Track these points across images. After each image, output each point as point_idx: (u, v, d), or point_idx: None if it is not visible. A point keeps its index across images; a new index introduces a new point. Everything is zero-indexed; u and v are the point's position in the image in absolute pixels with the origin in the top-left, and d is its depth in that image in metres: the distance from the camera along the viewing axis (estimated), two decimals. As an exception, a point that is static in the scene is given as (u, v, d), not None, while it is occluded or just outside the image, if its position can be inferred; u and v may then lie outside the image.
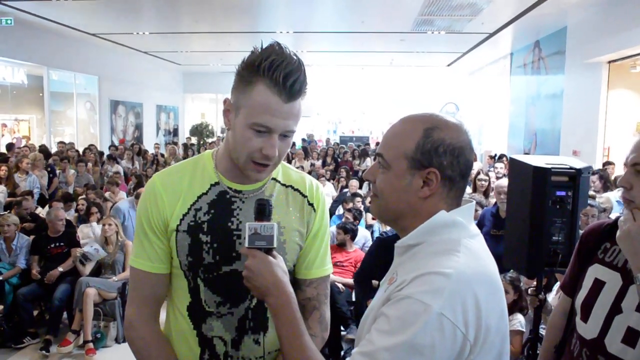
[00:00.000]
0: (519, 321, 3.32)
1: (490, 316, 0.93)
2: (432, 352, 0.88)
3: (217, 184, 1.28)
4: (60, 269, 4.58)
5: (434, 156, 0.99)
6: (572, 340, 1.48)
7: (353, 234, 4.86)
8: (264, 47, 1.15)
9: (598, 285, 1.41)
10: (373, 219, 6.14)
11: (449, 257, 0.95)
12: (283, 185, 1.33)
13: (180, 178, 1.28)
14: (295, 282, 1.34)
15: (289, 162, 9.81)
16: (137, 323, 1.28)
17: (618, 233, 1.35)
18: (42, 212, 5.93)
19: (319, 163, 10.56)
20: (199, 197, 1.26)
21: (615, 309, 1.34)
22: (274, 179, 1.32)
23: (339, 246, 4.70)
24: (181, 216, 1.25)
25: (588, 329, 1.40)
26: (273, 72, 1.10)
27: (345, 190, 7.57)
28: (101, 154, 10.36)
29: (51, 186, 7.87)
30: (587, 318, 1.41)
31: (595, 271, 1.44)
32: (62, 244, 4.73)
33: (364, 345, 0.93)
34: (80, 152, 9.92)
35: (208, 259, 1.24)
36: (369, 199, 6.87)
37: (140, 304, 1.28)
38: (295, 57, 1.14)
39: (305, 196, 1.34)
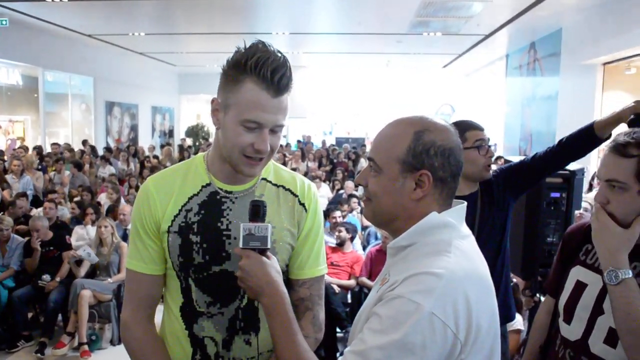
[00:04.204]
0: (517, 320, 3.33)
1: (481, 316, 0.95)
2: (423, 350, 0.89)
3: (208, 185, 1.29)
4: (57, 279, 4.54)
5: (425, 158, 1.01)
6: (557, 342, 1.49)
7: (354, 234, 4.87)
8: (247, 46, 1.18)
9: (580, 287, 1.43)
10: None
11: (440, 258, 0.96)
12: (274, 185, 1.34)
13: (172, 180, 1.31)
14: (289, 283, 1.34)
15: (284, 163, 9.79)
16: (132, 324, 1.30)
17: (592, 232, 1.38)
18: (35, 213, 5.90)
19: (315, 165, 10.56)
20: (190, 198, 1.28)
21: (598, 310, 1.36)
22: (264, 178, 1.33)
23: (337, 246, 4.70)
24: (172, 217, 1.27)
25: (571, 331, 1.42)
26: (260, 69, 1.13)
27: (341, 192, 7.56)
28: (95, 154, 10.31)
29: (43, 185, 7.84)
30: (570, 320, 1.43)
31: (577, 273, 1.46)
32: (51, 248, 4.69)
33: (356, 344, 0.94)
34: (76, 154, 9.87)
35: (198, 259, 1.26)
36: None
37: (135, 305, 1.31)
38: (279, 54, 1.17)
39: (296, 196, 1.34)
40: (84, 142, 11.64)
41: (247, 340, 1.29)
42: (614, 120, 1.85)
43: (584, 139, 1.98)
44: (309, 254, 1.34)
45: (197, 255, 1.25)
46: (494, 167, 2.25)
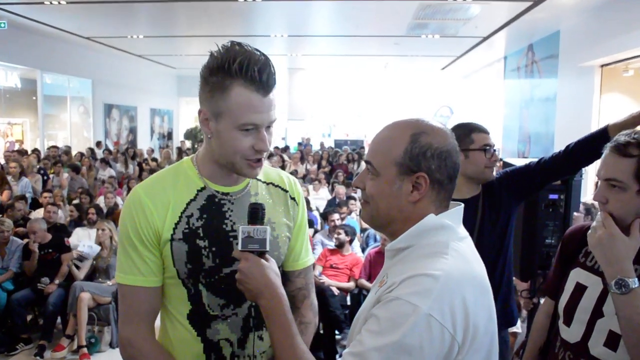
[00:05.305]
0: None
1: (478, 317, 0.95)
2: (421, 352, 0.89)
3: (203, 189, 1.29)
4: (56, 281, 4.54)
5: (422, 161, 1.01)
6: (556, 344, 1.50)
7: (353, 237, 4.87)
8: (221, 50, 1.17)
9: (580, 289, 1.43)
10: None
11: (438, 260, 0.97)
12: (264, 182, 1.38)
13: (163, 188, 1.27)
14: (284, 275, 1.38)
15: (283, 166, 9.80)
16: (137, 341, 1.24)
17: (589, 240, 1.36)
18: (34, 215, 5.89)
19: (314, 167, 10.54)
20: (188, 204, 1.27)
21: (597, 312, 1.36)
22: (255, 177, 1.35)
23: (337, 248, 4.69)
24: (173, 225, 1.24)
25: (571, 333, 1.42)
26: (247, 71, 1.13)
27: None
28: (94, 157, 10.31)
29: (45, 188, 7.83)
30: (569, 322, 1.43)
31: (577, 275, 1.46)
32: (50, 250, 4.68)
33: (355, 345, 0.94)
34: (73, 157, 9.87)
35: (209, 263, 1.25)
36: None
37: (138, 320, 1.24)
38: (258, 52, 1.17)
39: (286, 191, 1.39)
40: (98, 144, 11.67)
41: (260, 336, 1.32)
42: (631, 122, 1.79)
43: (598, 143, 1.78)
44: (301, 246, 1.41)
45: (207, 260, 1.24)
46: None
